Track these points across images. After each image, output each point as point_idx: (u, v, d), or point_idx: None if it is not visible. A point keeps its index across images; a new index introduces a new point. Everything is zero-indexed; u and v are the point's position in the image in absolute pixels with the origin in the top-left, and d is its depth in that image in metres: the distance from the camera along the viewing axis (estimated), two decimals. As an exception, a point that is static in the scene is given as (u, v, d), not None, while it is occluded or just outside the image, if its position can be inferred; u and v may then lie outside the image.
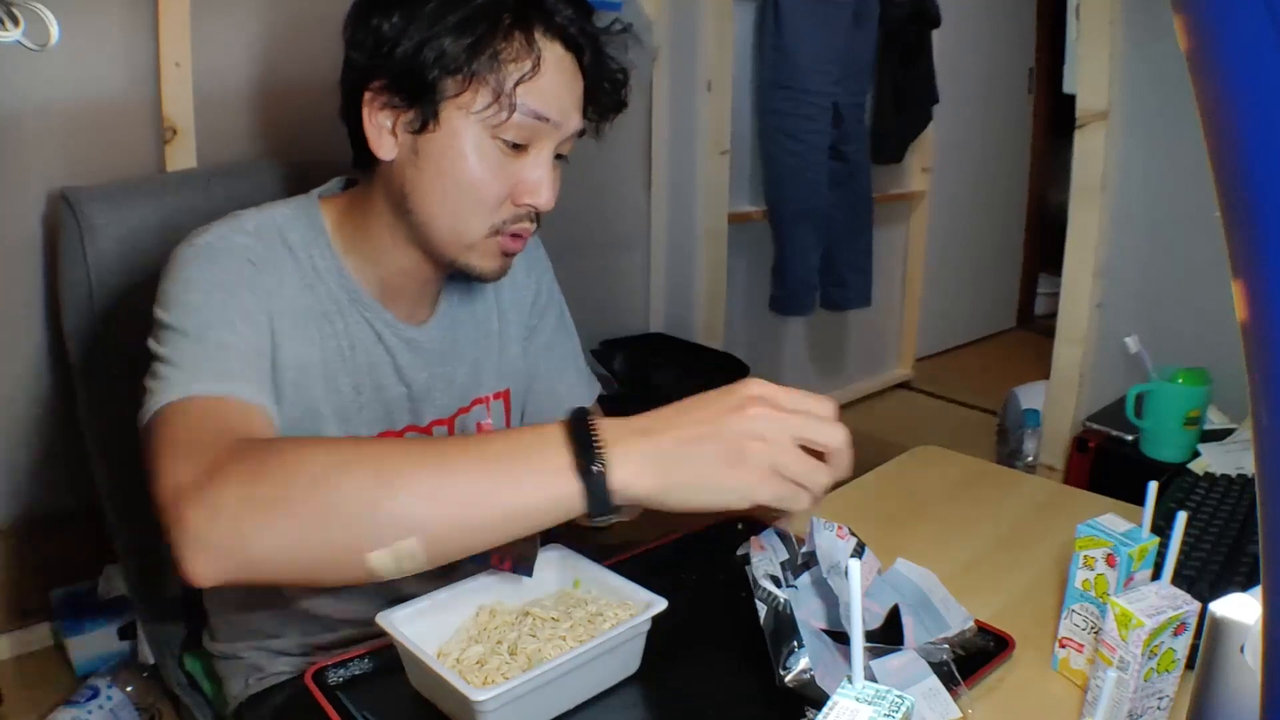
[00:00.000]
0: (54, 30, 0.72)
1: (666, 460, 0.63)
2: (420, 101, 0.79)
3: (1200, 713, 0.52)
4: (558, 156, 0.85)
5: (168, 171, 1.66)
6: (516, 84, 0.78)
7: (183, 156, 1.68)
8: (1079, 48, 1.84)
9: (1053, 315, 2.01)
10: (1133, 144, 1.82)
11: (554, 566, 0.85)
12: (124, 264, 1.04)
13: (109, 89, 1.63)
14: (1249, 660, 0.50)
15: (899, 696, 0.53)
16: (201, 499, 0.61)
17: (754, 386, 0.66)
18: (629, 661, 0.78)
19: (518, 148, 0.81)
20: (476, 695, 0.65)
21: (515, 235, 0.85)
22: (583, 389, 1.10)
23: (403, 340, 0.92)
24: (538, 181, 0.83)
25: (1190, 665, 0.63)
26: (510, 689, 0.67)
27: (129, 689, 1.58)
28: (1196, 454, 1.49)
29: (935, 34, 3.03)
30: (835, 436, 0.67)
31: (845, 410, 3.20)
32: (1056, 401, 1.97)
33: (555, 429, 0.64)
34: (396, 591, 0.85)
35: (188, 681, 1.10)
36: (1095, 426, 1.73)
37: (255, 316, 0.79)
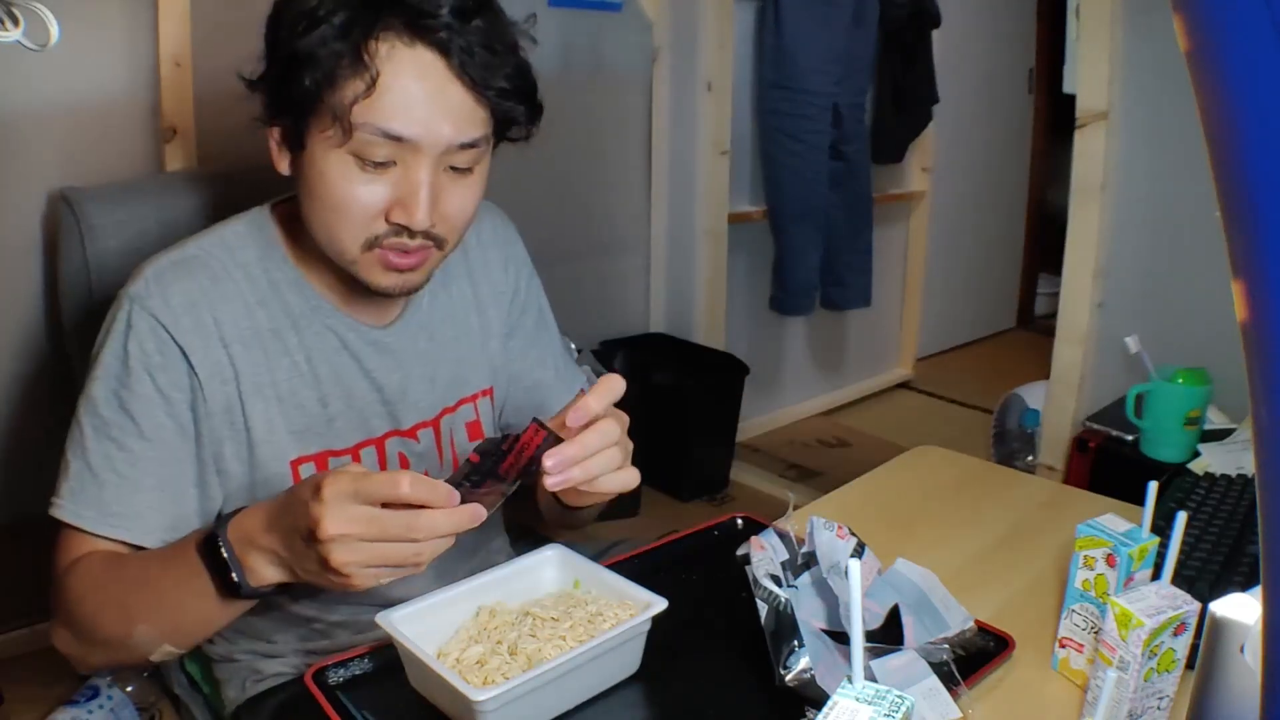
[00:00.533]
0: (54, 30, 0.72)
1: (288, 563, 0.72)
2: (291, 124, 0.80)
3: (1200, 713, 0.52)
4: (455, 169, 0.81)
5: (167, 171, 1.66)
6: (352, 104, 0.75)
7: (182, 156, 1.67)
8: (1079, 48, 1.84)
9: (1053, 315, 2.00)
10: (1133, 144, 1.82)
11: (554, 566, 0.85)
12: (124, 264, 1.03)
13: (109, 89, 1.63)
14: (1249, 660, 0.50)
15: (899, 696, 0.53)
16: (54, 633, 0.84)
17: (314, 508, 0.66)
18: (629, 662, 0.78)
19: (382, 165, 0.77)
20: (476, 695, 0.65)
21: (399, 250, 0.81)
22: (562, 386, 1.09)
23: (369, 343, 0.91)
24: (407, 199, 0.78)
25: (1190, 665, 0.63)
26: (510, 689, 0.67)
27: (129, 689, 1.58)
28: (1196, 454, 1.49)
29: (935, 34, 3.03)
30: (392, 481, 0.66)
31: (845, 410, 3.18)
32: (1056, 401, 1.97)
33: (194, 555, 0.75)
34: (388, 597, 0.85)
35: (188, 682, 1.10)
36: (1095, 426, 1.73)
37: (154, 412, 0.82)
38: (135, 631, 0.78)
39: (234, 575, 0.73)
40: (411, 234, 0.80)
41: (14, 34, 0.71)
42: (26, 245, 1.60)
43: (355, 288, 0.87)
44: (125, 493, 0.81)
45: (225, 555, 0.73)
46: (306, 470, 0.89)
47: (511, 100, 0.80)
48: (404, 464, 0.95)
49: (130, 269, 1.03)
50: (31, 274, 1.62)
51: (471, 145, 0.80)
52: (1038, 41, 3.90)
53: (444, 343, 0.97)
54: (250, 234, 0.88)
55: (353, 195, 0.78)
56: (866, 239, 2.93)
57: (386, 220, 0.79)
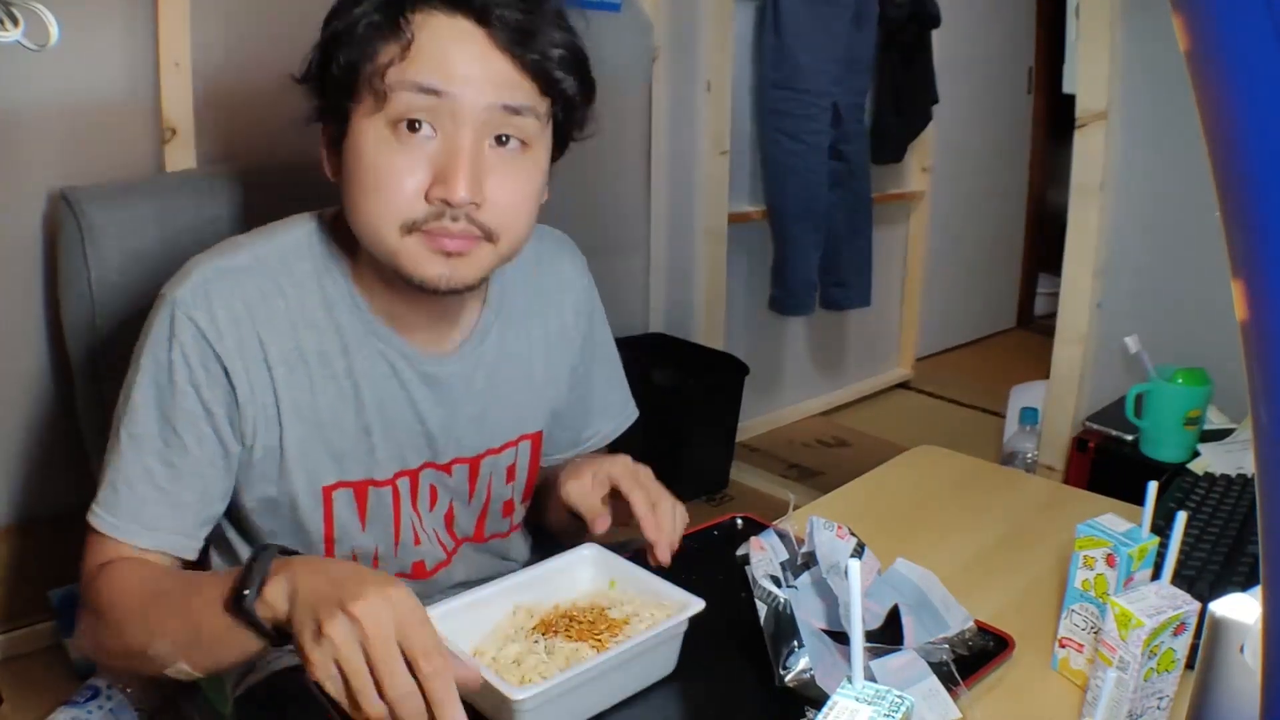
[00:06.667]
0: (54, 30, 0.72)
1: (298, 594, 0.67)
2: (337, 116, 0.78)
3: (1200, 713, 0.52)
4: (501, 141, 0.76)
5: (167, 172, 1.66)
6: (388, 67, 0.73)
7: (182, 156, 1.67)
8: (1079, 48, 1.84)
9: (1053, 315, 2.00)
10: (1133, 144, 1.82)
11: (590, 566, 0.85)
12: (124, 264, 1.04)
13: (109, 89, 1.63)
14: (1249, 660, 0.50)
15: (899, 696, 0.53)
16: (80, 632, 0.83)
17: (371, 588, 0.63)
18: (665, 662, 0.78)
19: (415, 128, 0.73)
20: (516, 694, 0.65)
21: (443, 234, 0.75)
22: (615, 412, 1.09)
23: (420, 374, 0.87)
24: (446, 169, 0.73)
25: (1190, 665, 0.63)
26: (548, 688, 0.67)
27: (129, 689, 1.58)
28: (1196, 454, 1.49)
29: (935, 34, 3.03)
30: (400, 687, 0.62)
31: (845, 410, 3.17)
32: (1056, 401, 1.97)
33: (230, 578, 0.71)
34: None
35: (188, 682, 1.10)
36: (1095, 426, 1.73)
37: (198, 425, 0.80)
38: (154, 645, 0.76)
39: (247, 591, 0.68)
40: (455, 215, 0.74)
41: (14, 34, 0.71)
42: (26, 245, 1.60)
43: (407, 312, 0.84)
44: (165, 509, 0.80)
45: (256, 568, 0.69)
46: (341, 497, 0.87)
47: (559, 70, 0.76)
48: (434, 496, 0.93)
49: (130, 269, 1.03)
50: (31, 274, 1.62)
51: (517, 112, 0.75)
52: (1037, 41, 3.90)
53: (501, 383, 0.92)
54: (308, 245, 0.84)
55: (390, 167, 0.73)
56: (866, 239, 2.93)
57: (426, 200, 0.74)
